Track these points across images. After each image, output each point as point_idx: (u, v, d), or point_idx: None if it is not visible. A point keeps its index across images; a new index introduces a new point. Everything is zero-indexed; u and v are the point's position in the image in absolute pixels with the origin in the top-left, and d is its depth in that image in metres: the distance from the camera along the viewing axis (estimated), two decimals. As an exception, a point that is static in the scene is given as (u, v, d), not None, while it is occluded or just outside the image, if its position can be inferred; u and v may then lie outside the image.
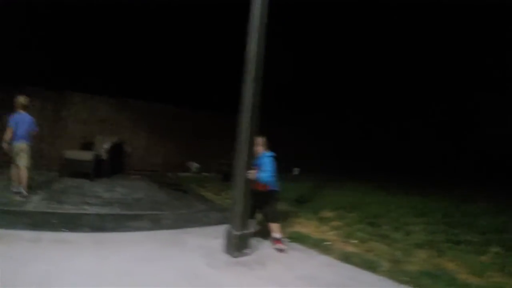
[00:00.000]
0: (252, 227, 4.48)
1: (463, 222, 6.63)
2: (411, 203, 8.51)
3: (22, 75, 9.63)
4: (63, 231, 4.39)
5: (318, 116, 17.40)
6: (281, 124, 15.51)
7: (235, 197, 4.26)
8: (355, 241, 5.03)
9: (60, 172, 8.84)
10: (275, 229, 4.55)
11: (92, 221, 5.07)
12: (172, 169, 12.30)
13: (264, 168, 4.35)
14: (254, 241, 4.55)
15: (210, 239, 4.63)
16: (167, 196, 7.97)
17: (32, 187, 6.41)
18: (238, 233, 4.08)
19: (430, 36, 18.37)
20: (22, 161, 6.06)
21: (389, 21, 17.06)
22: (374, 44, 18.27)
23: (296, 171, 14.72)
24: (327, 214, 6.74)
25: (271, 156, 4.52)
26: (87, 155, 8.85)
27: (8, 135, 5.91)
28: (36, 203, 5.74)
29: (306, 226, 5.79)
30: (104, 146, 9.63)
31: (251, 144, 4.23)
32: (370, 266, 4.07)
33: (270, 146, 4.62)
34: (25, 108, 6.23)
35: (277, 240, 4.51)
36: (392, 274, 3.87)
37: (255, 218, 4.87)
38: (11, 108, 6.20)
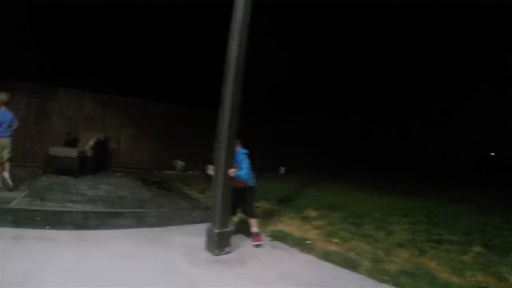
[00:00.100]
0: (233, 225, 4.48)
1: (446, 222, 6.73)
2: (396, 203, 8.61)
3: (6, 70, 9.47)
4: (48, 228, 4.34)
5: (312, 116, 17.47)
6: (275, 124, 15.58)
7: (215, 195, 4.27)
8: (337, 240, 5.04)
9: (44, 169, 8.70)
10: (254, 224, 4.63)
11: (76, 218, 5.00)
12: (157, 167, 12.21)
13: (242, 166, 4.42)
14: (236, 239, 4.56)
15: (193, 237, 4.62)
16: (151, 194, 7.89)
17: (15, 184, 6.34)
18: (218, 231, 4.08)
19: (430, 36, 18.51)
20: (5, 157, 6.16)
21: (389, 21, 17.16)
22: (374, 44, 18.35)
23: (282, 170, 14.74)
24: (311, 213, 6.77)
25: (246, 153, 4.60)
26: (71, 152, 8.72)
27: None
28: (19, 200, 5.64)
29: (288, 225, 5.79)
30: (89, 143, 9.51)
31: (231, 143, 4.23)
32: (351, 265, 4.09)
33: (247, 143, 4.65)
34: (6, 104, 6.22)
35: (256, 235, 4.59)
36: (372, 273, 3.89)
37: (236, 215, 4.92)
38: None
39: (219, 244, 4.07)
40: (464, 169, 19.07)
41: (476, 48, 18.09)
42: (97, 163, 9.84)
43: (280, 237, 5.00)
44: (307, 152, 16.63)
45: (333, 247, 4.72)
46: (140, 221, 5.35)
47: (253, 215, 4.68)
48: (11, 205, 5.24)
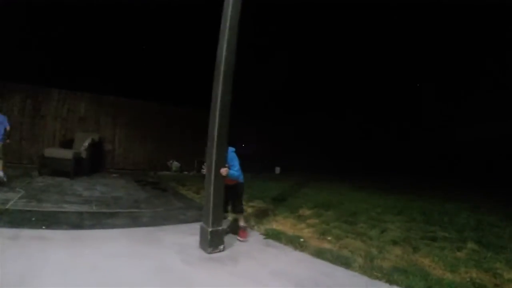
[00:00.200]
0: (226, 223, 4.51)
1: (440, 220, 6.73)
2: (390, 202, 8.62)
3: (0, 71, 9.46)
4: (44, 228, 4.37)
5: (311, 115, 17.46)
6: (274, 124, 15.58)
7: (207, 193, 4.28)
8: (331, 238, 5.05)
9: (40, 171, 8.70)
10: (241, 219, 4.77)
11: (71, 218, 5.04)
12: (152, 168, 12.21)
13: (232, 164, 4.49)
14: (229, 237, 4.59)
15: (186, 236, 4.64)
16: (146, 194, 7.90)
17: (11, 186, 6.35)
18: (211, 229, 4.09)
19: (430, 36, 18.53)
20: None
21: (389, 21, 17.20)
22: (373, 44, 18.37)
23: (277, 170, 14.77)
24: (305, 212, 6.78)
25: (234, 151, 4.66)
26: (67, 153, 8.71)
27: None
28: (15, 201, 5.66)
29: (282, 224, 5.79)
30: (84, 144, 9.50)
31: (222, 143, 4.25)
32: (344, 262, 4.08)
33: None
34: None
35: (242, 229, 4.71)
36: (366, 270, 3.88)
37: (228, 212, 4.98)
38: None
39: (212, 242, 4.08)
40: (464, 169, 19.07)
41: (476, 48, 18.12)
42: (92, 164, 9.85)
43: (274, 236, 4.99)
44: (306, 152, 16.63)
45: (326, 245, 4.72)
46: (135, 221, 5.37)
47: (241, 211, 4.80)
48: (7, 206, 5.28)
